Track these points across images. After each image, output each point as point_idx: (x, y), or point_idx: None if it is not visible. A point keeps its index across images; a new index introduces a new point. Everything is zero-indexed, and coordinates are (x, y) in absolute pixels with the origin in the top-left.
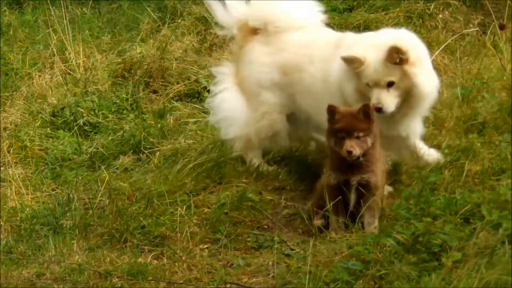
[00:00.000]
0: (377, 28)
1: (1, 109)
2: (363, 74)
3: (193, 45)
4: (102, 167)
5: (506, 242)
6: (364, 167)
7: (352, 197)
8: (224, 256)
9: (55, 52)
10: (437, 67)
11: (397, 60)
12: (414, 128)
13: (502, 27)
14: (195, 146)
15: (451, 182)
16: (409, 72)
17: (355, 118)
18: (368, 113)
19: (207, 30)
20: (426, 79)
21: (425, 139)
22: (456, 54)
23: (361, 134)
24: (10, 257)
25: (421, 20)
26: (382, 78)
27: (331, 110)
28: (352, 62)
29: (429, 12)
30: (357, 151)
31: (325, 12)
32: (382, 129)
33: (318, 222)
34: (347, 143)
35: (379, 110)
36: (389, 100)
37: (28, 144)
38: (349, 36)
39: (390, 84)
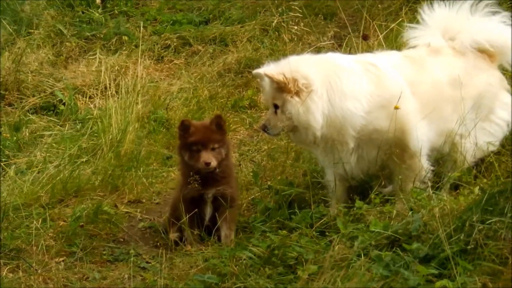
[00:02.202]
0: (233, 41)
1: None
2: None
3: (48, 58)
4: None
5: (362, 254)
6: (219, 179)
7: (208, 210)
8: (80, 269)
9: None
10: None
11: None
12: None
13: (365, 38)
14: (51, 159)
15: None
16: None
17: (209, 130)
18: (220, 124)
19: (62, 42)
20: None
21: None
22: None
23: (216, 145)
24: None
25: (277, 33)
26: None
27: (185, 125)
28: None
29: (284, 25)
30: (214, 162)
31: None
32: None
33: (173, 235)
34: (204, 155)
35: None
36: None
37: None
38: None
39: None
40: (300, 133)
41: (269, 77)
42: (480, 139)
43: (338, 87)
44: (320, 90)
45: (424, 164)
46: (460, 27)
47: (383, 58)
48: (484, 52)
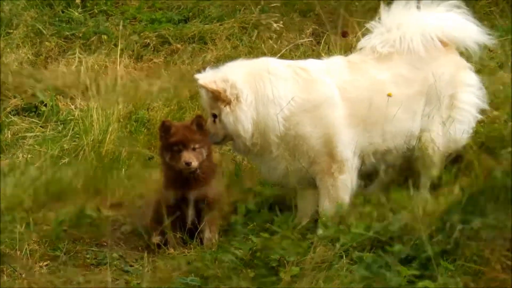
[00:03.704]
0: (212, 39)
1: None
2: None
3: (28, 58)
4: None
5: (344, 256)
6: (200, 180)
7: (190, 212)
8: (64, 273)
9: None
10: None
11: None
12: None
13: (344, 34)
14: (33, 160)
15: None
16: None
17: (190, 131)
18: (201, 124)
19: (42, 42)
20: None
21: None
22: None
23: (197, 145)
24: None
25: (256, 30)
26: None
27: (166, 126)
28: None
29: (264, 22)
30: (195, 162)
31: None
32: None
33: (156, 238)
34: (185, 155)
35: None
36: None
37: None
38: None
39: None
40: (234, 142)
41: (204, 87)
42: (452, 129)
43: (263, 92)
44: (249, 98)
45: (352, 180)
46: (408, 23)
47: (318, 63)
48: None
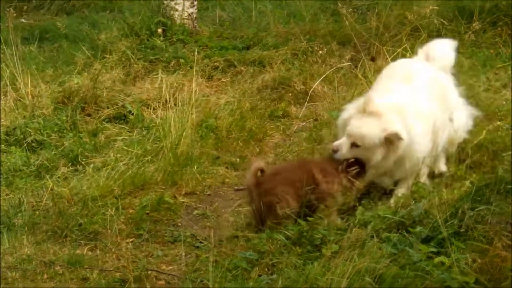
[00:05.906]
0: (269, 63)
1: None
2: None
3: (120, 77)
4: (47, 176)
5: (374, 236)
6: None
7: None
8: (146, 248)
9: (8, 83)
10: (318, 94)
11: None
12: None
13: (373, 59)
14: (122, 158)
15: None
16: None
17: None
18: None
19: (131, 65)
20: None
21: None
22: (334, 83)
23: None
24: None
25: (305, 56)
26: None
27: None
28: None
29: (311, 49)
30: None
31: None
32: None
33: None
34: None
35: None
36: None
37: None
38: None
39: None
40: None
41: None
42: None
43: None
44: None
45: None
46: None
47: None
48: None
